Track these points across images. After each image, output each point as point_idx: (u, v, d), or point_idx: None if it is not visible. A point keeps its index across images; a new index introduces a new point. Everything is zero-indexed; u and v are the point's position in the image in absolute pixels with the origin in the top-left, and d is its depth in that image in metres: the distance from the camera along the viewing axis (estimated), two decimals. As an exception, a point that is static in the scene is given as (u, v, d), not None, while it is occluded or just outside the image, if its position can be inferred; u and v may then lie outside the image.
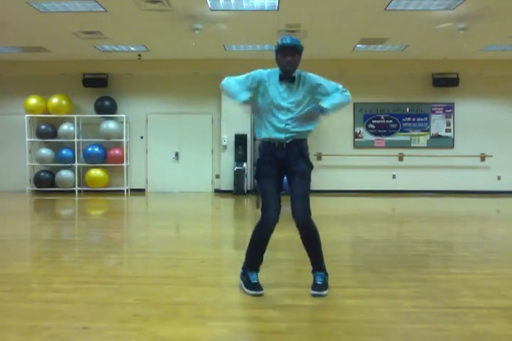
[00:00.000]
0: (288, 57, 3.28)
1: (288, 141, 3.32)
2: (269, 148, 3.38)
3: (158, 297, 3.34)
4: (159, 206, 9.59)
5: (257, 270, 3.46)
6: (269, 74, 3.39)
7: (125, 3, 7.05)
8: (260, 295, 3.31)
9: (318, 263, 3.43)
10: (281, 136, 3.32)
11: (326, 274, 3.42)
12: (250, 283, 3.38)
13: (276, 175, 3.38)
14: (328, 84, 3.44)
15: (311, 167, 3.39)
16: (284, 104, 3.32)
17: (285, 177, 3.45)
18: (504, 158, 11.45)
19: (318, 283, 3.35)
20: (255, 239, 3.43)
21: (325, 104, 3.38)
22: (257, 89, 3.38)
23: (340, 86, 3.48)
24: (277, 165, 3.37)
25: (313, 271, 3.44)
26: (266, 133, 3.37)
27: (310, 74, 3.42)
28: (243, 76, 3.45)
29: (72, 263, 4.50)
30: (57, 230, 6.57)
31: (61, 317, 2.95)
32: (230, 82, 3.47)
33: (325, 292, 3.31)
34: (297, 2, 7.01)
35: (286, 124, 3.32)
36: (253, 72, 3.43)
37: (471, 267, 4.27)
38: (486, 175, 11.52)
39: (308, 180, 3.41)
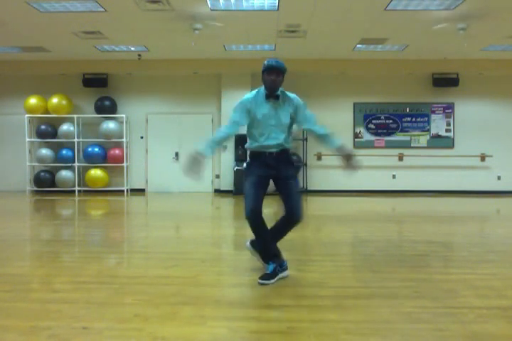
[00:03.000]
0: (272, 77, 3.66)
1: (277, 151, 3.75)
2: (260, 157, 3.78)
3: (158, 297, 3.34)
4: (159, 206, 9.59)
5: (271, 260, 3.73)
6: (255, 96, 3.75)
7: (125, 3, 7.05)
8: (265, 284, 3.59)
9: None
10: (272, 149, 3.74)
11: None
12: (263, 273, 3.70)
13: (263, 177, 3.73)
14: (309, 113, 3.83)
15: (297, 171, 3.81)
16: (271, 121, 3.71)
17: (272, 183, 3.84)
18: (504, 158, 11.46)
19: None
20: (251, 228, 3.71)
21: (334, 143, 3.89)
22: (249, 112, 3.73)
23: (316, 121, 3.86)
24: (267, 169, 3.74)
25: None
26: (257, 145, 3.77)
27: (291, 94, 3.81)
28: (233, 115, 3.75)
29: (72, 263, 4.50)
30: (57, 230, 6.57)
31: (61, 317, 2.95)
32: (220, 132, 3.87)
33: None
34: (297, 2, 7.01)
35: (275, 139, 3.72)
36: (240, 104, 3.75)
37: (471, 267, 4.28)
38: (486, 175, 11.52)
39: (298, 181, 3.91)
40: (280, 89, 3.76)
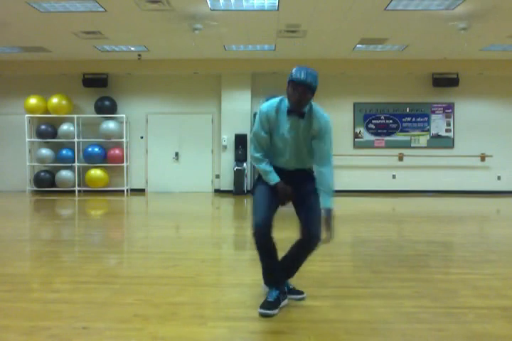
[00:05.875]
0: (296, 95, 2.90)
1: (290, 170, 3.18)
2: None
3: (158, 297, 3.34)
4: (159, 206, 9.58)
5: (275, 286, 3.12)
6: (278, 107, 3.04)
7: (125, 3, 7.05)
8: (268, 315, 2.95)
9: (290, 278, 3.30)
10: (284, 167, 3.16)
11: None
12: (264, 301, 3.06)
13: (273, 191, 3.08)
14: (326, 143, 3.06)
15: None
16: (289, 140, 3.06)
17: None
18: (504, 158, 11.46)
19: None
20: (257, 248, 3.07)
21: (326, 203, 3.04)
22: (269, 126, 3.07)
23: (331, 156, 3.10)
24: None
25: (290, 291, 3.27)
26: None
27: (320, 112, 3.06)
28: (257, 129, 3.08)
29: (72, 263, 4.50)
30: (57, 230, 6.57)
31: (61, 317, 2.95)
32: (258, 159, 3.11)
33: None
34: (297, 2, 7.01)
35: (288, 159, 3.13)
36: (261, 113, 3.05)
37: (471, 267, 4.28)
38: (486, 175, 11.53)
39: (318, 198, 3.08)
40: (312, 103, 3.04)
